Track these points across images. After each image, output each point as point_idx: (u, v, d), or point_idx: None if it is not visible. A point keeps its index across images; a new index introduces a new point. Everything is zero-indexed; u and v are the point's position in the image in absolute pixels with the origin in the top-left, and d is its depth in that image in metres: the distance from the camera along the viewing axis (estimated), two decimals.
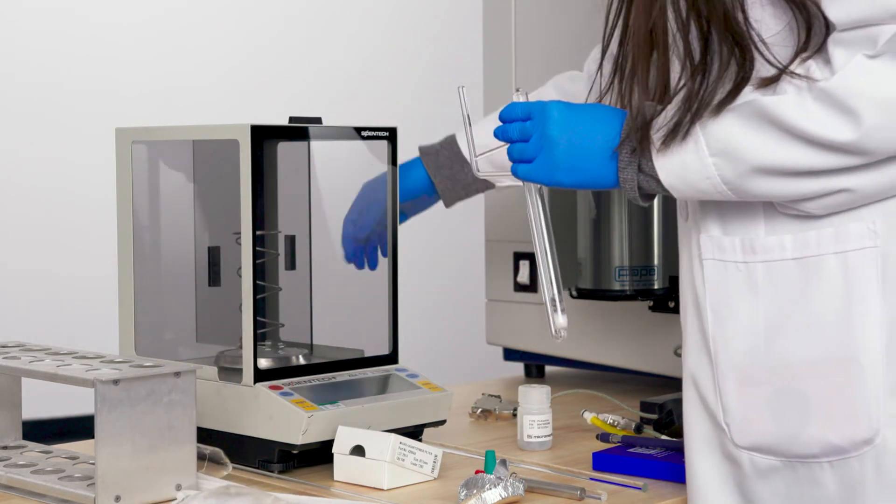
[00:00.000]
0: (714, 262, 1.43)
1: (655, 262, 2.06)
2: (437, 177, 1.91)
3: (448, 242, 3.75)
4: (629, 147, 1.41)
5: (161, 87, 3.46)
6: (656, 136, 1.38)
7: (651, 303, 2.13)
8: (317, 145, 1.87)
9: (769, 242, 1.39)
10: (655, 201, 2.05)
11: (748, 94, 1.35)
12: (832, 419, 1.35)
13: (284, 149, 1.88)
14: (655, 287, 2.07)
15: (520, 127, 1.50)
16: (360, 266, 1.87)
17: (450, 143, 1.94)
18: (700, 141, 1.35)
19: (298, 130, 1.79)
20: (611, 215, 2.07)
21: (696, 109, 1.35)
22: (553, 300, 1.55)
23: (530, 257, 2.31)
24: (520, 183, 1.54)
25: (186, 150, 1.92)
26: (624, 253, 2.07)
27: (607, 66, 1.49)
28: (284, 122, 1.78)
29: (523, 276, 2.31)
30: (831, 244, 1.35)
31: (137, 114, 3.22)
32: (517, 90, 1.54)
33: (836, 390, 1.34)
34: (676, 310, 2.09)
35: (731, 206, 1.42)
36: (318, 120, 1.80)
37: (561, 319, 1.55)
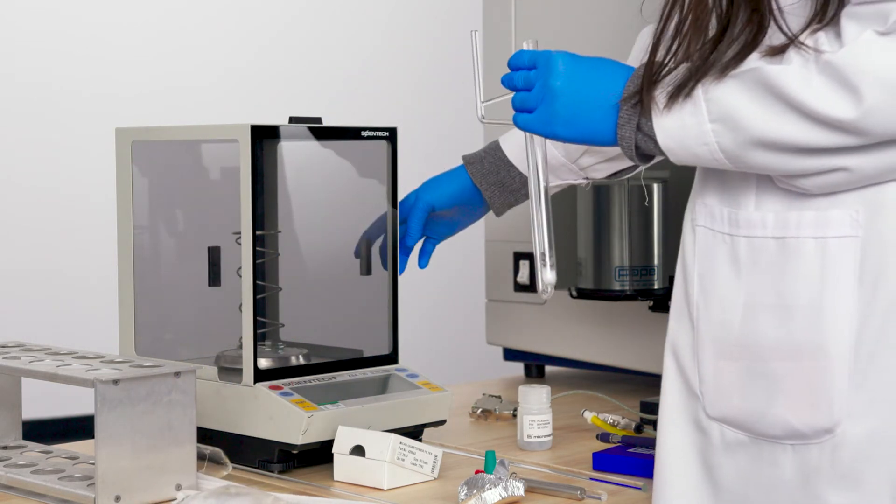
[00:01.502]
0: (705, 230, 1.42)
1: (655, 262, 2.06)
2: (483, 184, 1.85)
3: (448, 242, 3.75)
4: (630, 104, 1.39)
5: (161, 88, 3.46)
6: (660, 94, 1.36)
7: (651, 303, 2.13)
8: (317, 145, 1.87)
9: (753, 218, 1.38)
10: (655, 201, 2.05)
11: (754, 60, 1.33)
12: (796, 404, 1.34)
13: (284, 149, 1.88)
14: (655, 287, 2.07)
15: (524, 75, 1.48)
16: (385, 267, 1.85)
17: (493, 149, 1.87)
18: (701, 105, 1.33)
19: (298, 130, 1.79)
20: (611, 215, 2.07)
21: (701, 71, 1.33)
22: (543, 255, 1.54)
23: (530, 257, 2.31)
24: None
25: (186, 150, 1.92)
26: (624, 253, 2.07)
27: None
28: (284, 122, 1.78)
29: (523, 276, 2.31)
30: (811, 228, 1.34)
31: (137, 114, 3.22)
32: (528, 40, 1.50)
33: (801, 375, 1.34)
34: None
35: (730, 176, 1.41)
36: (317, 120, 1.80)
37: (549, 275, 1.54)
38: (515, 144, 1.84)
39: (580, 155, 1.83)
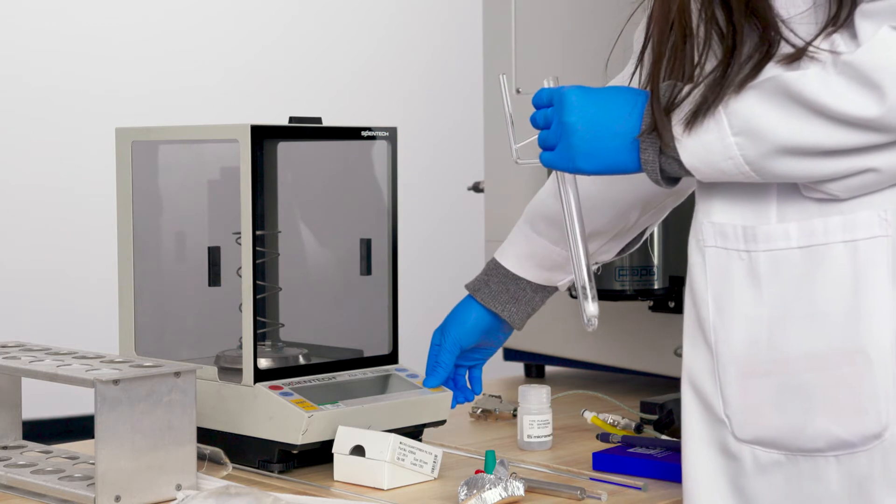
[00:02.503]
0: (717, 250, 1.40)
1: (655, 262, 2.06)
2: (497, 307, 1.80)
3: (448, 242, 3.75)
4: (650, 130, 1.38)
5: (161, 88, 3.47)
6: (678, 116, 1.36)
7: (651, 303, 2.14)
8: (317, 145, 1.87)
9: (775, 231, 1.36)
10: None
11: (770, 70, 1.32)
12: (839, 413, 1.32)
13: (284, 149, 1.88)
14: (655, 287, 2.07)
15: (543, 114, 1.49)
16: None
17: (494, 268, 1.83)
18: (722, 120, 1.32)
19: (298, 130, 1.79)
20: None
21: (720, 90, 1.33)
22: (584, 288, 1.54)
23: None
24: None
25: (186, 150, 1.92)
26: None
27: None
28: (284, 122, 1.78)
29: None
30: (839, 232, 1.32)
31: (137, 114, 3.23)
32: (549, 77, 1.51)
33: (842, 383, 1.32)
34: (676, 310, 2.09)
35: (742, 192, 1.40)
36: (317, 120, 1.80)
37: (592, 307, 1.55)
38: (513, 255, 1.80)
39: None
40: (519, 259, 1.79)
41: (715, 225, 1.41)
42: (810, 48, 1.30)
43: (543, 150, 1.48)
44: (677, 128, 1.35)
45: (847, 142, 1.28)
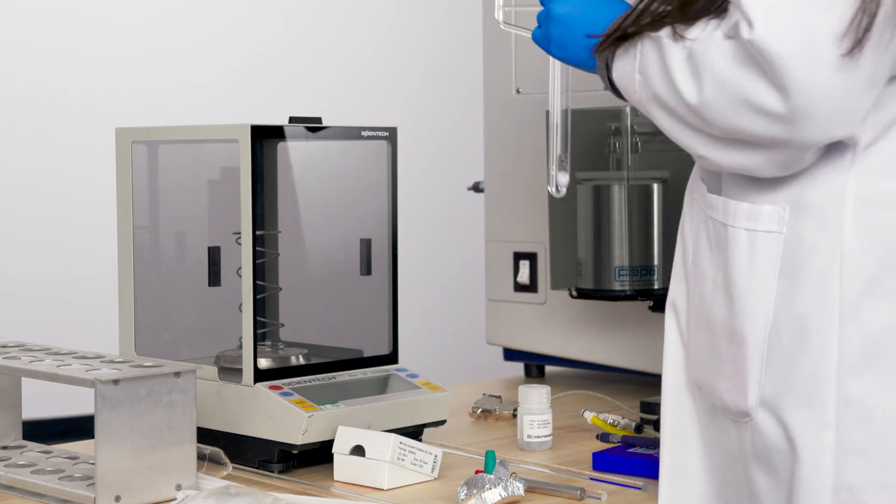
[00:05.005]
0: (695, 204, 1.47)
1: (655, 262, 2.06)
2: None
3: (448, 242, 3.75)
4: (608, 43, 1.45)
5: (161, 88, 3.46)
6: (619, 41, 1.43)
7: (651, 303, 2.13)
8: (317, 145, 1.87)
9: (715, 202, 1.41)
10: (656, 201, 2.05)
11: (666, 29, 1.37)
12: (729, 384, 1.38)
13: (284, 149, 1.88)
14: (655, 287, 2.07)
15: None
16: None
17: None
18: (636, 55, 1.39)
19: (298, 130, 1.79)
20: (611, 215, 2.07)
21: (642, 22, 1.38)
22: (560, 158, 1.65)
23: (530, 257, 2.31)
24: None
25: (186, 150, 1.92)
26: (624, 253, 2.07)
27: None
28: (284, 122, 1.78)
29: (523, 276, 2.31)
30: (744, 220, 1.36)
31: (137, 114, 3.23)
32: None
33: (732, 358, 1.37)
34: None
35: None
36: (318, 120, 1.80)
37: (563, 178, 1.67)
38: None
39: None
40: None
41: (695, 182, 1.47)
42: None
43: (537, 27, 1.57)
44: (618, 49, 1.43)
45: (682, 116, 1.34)
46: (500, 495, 1.51)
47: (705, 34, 1.31)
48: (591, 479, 1.66)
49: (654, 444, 1.73)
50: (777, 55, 1.22)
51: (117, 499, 1.49)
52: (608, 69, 1.44)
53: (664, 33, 1.36)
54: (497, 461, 1.54)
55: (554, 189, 1.69)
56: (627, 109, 2.05)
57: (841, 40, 1.22)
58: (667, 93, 1.35)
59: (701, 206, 1.44)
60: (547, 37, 1.53)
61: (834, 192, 1.31)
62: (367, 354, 1.84)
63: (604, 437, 1.81)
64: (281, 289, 1.87)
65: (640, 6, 1.40)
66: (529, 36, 1.59)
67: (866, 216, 1.30)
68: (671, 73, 1.33)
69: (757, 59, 1.24)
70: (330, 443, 1.66)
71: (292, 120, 1.79)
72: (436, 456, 1.66)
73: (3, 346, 1.75)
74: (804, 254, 1.32)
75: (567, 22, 1.50)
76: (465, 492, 1.52)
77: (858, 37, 1.22)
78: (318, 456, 1.69)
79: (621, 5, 1.47)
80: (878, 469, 1.29)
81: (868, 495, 1.29)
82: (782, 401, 1.33)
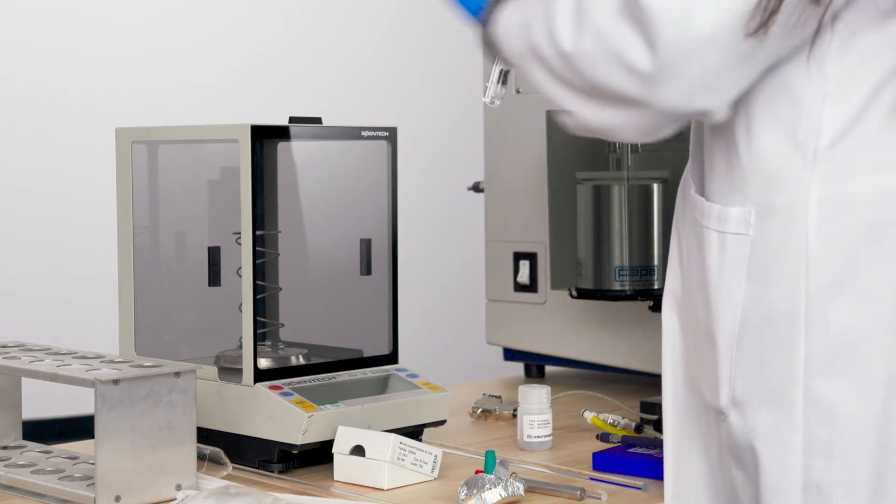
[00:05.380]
0: (685, 204, 1.47)
1: (655, 262, 2.06)
2: None
3: (448, 242, 3.75)
4: None
5: (161, 88, 3.46)
6: None
7: (651, 303, 2.13)
8: (317, 145, 1.87)
9: (695, 200, 1.41)
10: (656, 201, 2.05)
11: None
12: (708, 381, 1.39)
13: (284, 149, 1.88)
14: (655, 287, 2.07)
15: None
16: None
17: None
18: (526, 7, 1.39)
19: (298, 130, 1.79)
20: (611, 215, 2.07)
21: None
22: (503, 71, 1.61)
23: (530, 257, 2.31)
24: None
25: (186, 150, 1.92)
26: (624, 253, 2.07)
27: None
28: (284, 122, 1.78)
29: (523, 276, 2.31)
30: (715, 221, 1.37)
31: (137, 114, 3.22)
32: None
33: (708, 357, 1.38)
34: None
35: (692, 154, 1.46)
36: (317, 120, 1.80)
37: (503, 90, 1.63)
38: None
39: None
40: None
41: (685, 180, 1.47)
42: None
43: None
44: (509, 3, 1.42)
45: (553, 63, 1.34)
46: (500, 495, 1.51)
47: None
48: (591, 479, 1.66)
49: (655, 444, 1.73)
50: (654, 11, 1.23)
51: (117, 499, 1.49)
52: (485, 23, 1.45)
53: None
54: (497, 461, 1.54)
55: (489, 101, 1.64)
56: None
57: (745, 19, 1.22)
58: (545, 42, 1.35)
59: (687, 205, 1.45)
60: None
61: (798, 195, 1.31)
62: (367, 354, 1.84)
63: (604, 437, 1.81)
64: (281, 289, 1.87)
65: None
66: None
67: (830, 219, 1.30)
68: (554, 21, 1.33)
69: (636, 13, 1.25)
70: (330, 443, 1.66)
71: (292, 120, 1.79)
72: (436, 456, 1.66)
73: (3, 346, 1.75)
74: (770, 256, 1.33)
75: None
76: (465, 492, 1.52)
77: (764, 19, 1.23)
78: (318, 456, 1.69)
79: None
80: (844, 468, 1.30)
81: (834, 494, 1.30)
82: (750, 401, 1.34)
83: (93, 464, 1.56)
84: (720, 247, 1.36)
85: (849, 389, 1.30)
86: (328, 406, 1.68)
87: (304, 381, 1.73)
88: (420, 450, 1.64)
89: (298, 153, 1.89)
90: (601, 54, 1.29)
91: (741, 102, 1.32)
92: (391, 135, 1.84)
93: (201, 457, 1.62)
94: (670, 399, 1.49)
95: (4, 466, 1.64)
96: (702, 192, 1.41)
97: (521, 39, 1.39)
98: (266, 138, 1.80)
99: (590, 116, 1.35)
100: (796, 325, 1.31)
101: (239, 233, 1.71)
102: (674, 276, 1.50)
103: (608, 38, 1.28)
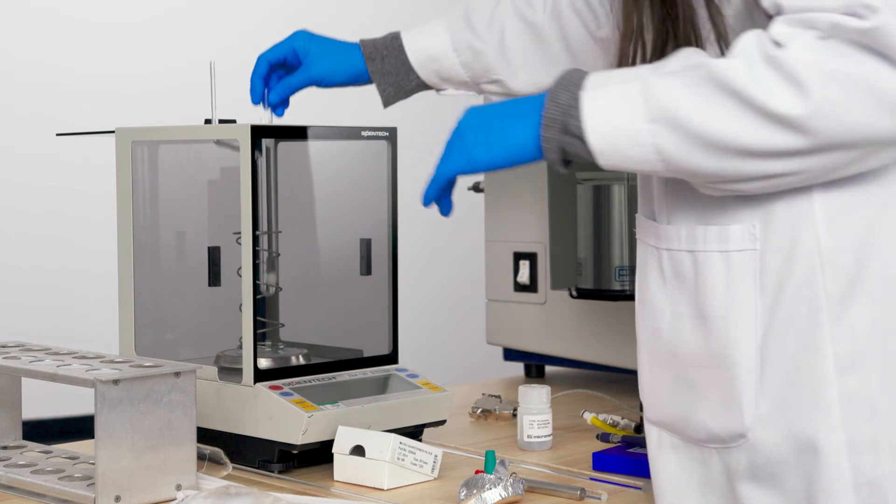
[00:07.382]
0: (640, 242, 1.45)
1: None
2: (380, 83, 1.87)
3: (448, 242, 3.75)
4: (556, 103, 1.32)
5: (161, 87, 3.46)
6: (591, 94, 1.30)
7: None
8: (317, 145, 1.87)
9: (670, 231, 1.39)
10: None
11: (692, 56, 1.31)
12: (713, 410, 1.37)
13: (284, 149, 1.88)
14: None
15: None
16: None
17: (396, 49, 1.86)
18: (638, 105, 1.28)
19: (298, 130, 1.79)
20: (611, 215, 2.07)
21: (638, 73, 1.31)
22: None
23: (530, 257, 2.31)
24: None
25: (186, 150, 1.92)
26: (624, 253, 2.07)
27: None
28: (284, 122, 1.78)
29: (523, 276, 2.31)
30: (716, 242, 1.35)
31: (137, 114, 3.23)
32: None
33: (717, 383, 1.36)
34: None
35: (651, 188, 1.42)
36: (317, 120, 1.80)
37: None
38: (418, 48, 1.86)
39: (485, 81, 1.89)
40: (424, 58, 1.86)
41: (639, 218, 1.46)
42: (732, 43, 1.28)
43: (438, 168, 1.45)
44: (589, 106, 1.30)
45: (768, 141, 1.24)
46: (500, 495, 1.51)
47: (751, 45, 1.24)
48: (591, 479, 1.66)
49: None
50: None
51: (117, 499, 1.49)
52: (565, 136, 1.32)
53: (704, 59, 1.28)
54: (497, 461, 1.54)
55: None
56: None
57: None
58: (731, 121, 1.24)
59: (648, 240, 1.43)
60: (462, 151, 1.40)
61: (800, 197, 1.30)
62: (367, 354, 1.84)
63: (604, 437, 1.81)
64: (281, 289, 1.87)
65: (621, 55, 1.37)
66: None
67: (838, 214, 1.30)
68: (747, 91, 1.23)
69: (875, 47, 1.19)
70: (330, 443, 1.66)
71: (292, 120, 1.79)
72: (436, 456, 1.66)
73: (3, 346, 1.75)
74: (783, 264, 1.32)
75: (489, 115, 1.39)
76: (465, 492, 1.52)
77: None
78: (318, 456, 1.69)
79: (533, 98, 1.36)
80: (892, 461, 1.30)
81: (888, 487, 1.30)
82: (781, 414, 1.32)
83: (93, 464, 1.56)
84: (725, 266, 1.34)
85: (883, 381, 1.29)
86: (328, 406, 1.68)
87: (304, 381, 1.73)
88: (420, 450, 1.64)
89: (299, 153, 1.89)
90: (850, 98, 1.21)
91: None
92: (391, 135, 1.84)
93: (201, 457, 1.62)
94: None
95: (4, 466, 1.64)
96: (669, 221, 1.39)
97: (656, 137, 1.27)
98: (266, 138, 1.80)
99: (818, 174, 1.27)
100: (820, 326, 1.30)
101: (239, 233, 1.71)
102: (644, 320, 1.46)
103: (854, 79, 1.20)
